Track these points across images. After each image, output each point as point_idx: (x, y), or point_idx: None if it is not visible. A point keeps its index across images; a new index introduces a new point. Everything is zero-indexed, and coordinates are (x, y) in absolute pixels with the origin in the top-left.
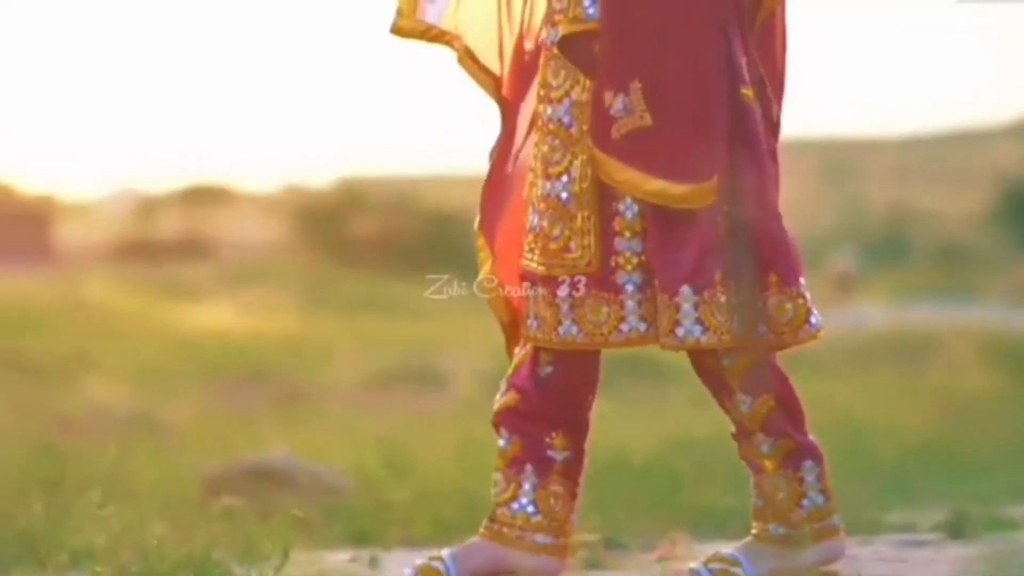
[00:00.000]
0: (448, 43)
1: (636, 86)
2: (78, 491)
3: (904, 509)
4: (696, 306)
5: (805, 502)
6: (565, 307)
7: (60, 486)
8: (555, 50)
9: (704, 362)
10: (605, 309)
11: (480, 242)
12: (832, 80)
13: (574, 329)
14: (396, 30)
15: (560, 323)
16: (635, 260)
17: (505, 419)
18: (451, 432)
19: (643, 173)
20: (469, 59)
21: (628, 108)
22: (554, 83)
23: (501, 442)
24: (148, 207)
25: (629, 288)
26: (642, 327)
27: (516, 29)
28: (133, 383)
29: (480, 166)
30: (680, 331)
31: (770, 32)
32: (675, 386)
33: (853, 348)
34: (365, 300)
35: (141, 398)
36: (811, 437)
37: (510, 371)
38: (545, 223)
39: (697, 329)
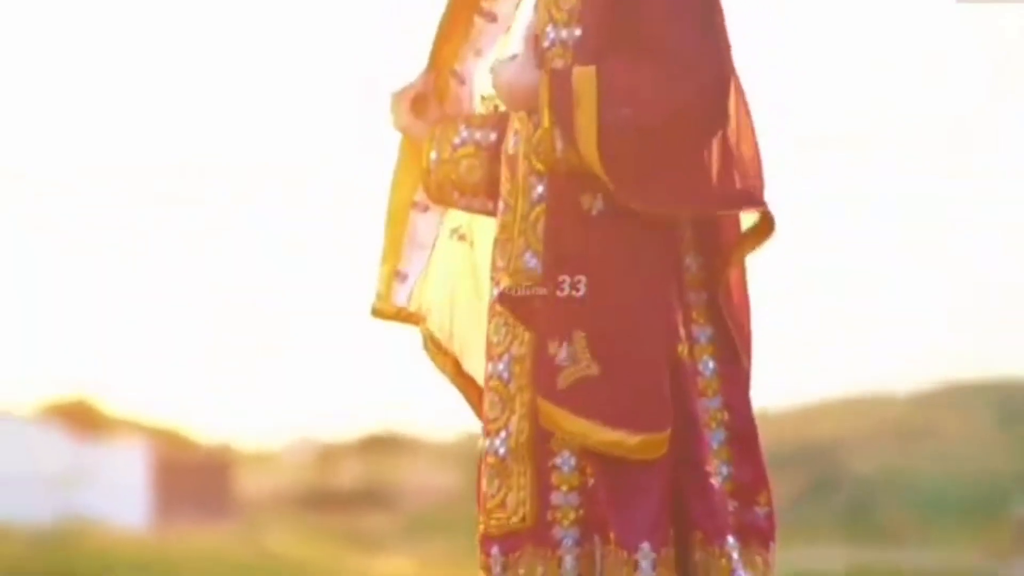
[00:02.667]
0: (416, 324)
1: (580, 335)
2: None
3: None
4: (654, 565)
5: None
6: (498, 569)
7: None
8: (497, 306)
9: None
10: (540, 568)
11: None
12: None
13: None
14: (375, 313)
15: None
16: (572, 515)
17: None
18: None
19: (593, 423)
20: (430, 343)
21: (572, 357)
22: (495, 340)
23: None
24: (327, 456)
25: (567, 543)
26: None
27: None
28: None
29: None
30: None
31: (740, 287)
32: None
33: None
34: None
35: None
36: None
37: None
38: (484, 481)
39: None
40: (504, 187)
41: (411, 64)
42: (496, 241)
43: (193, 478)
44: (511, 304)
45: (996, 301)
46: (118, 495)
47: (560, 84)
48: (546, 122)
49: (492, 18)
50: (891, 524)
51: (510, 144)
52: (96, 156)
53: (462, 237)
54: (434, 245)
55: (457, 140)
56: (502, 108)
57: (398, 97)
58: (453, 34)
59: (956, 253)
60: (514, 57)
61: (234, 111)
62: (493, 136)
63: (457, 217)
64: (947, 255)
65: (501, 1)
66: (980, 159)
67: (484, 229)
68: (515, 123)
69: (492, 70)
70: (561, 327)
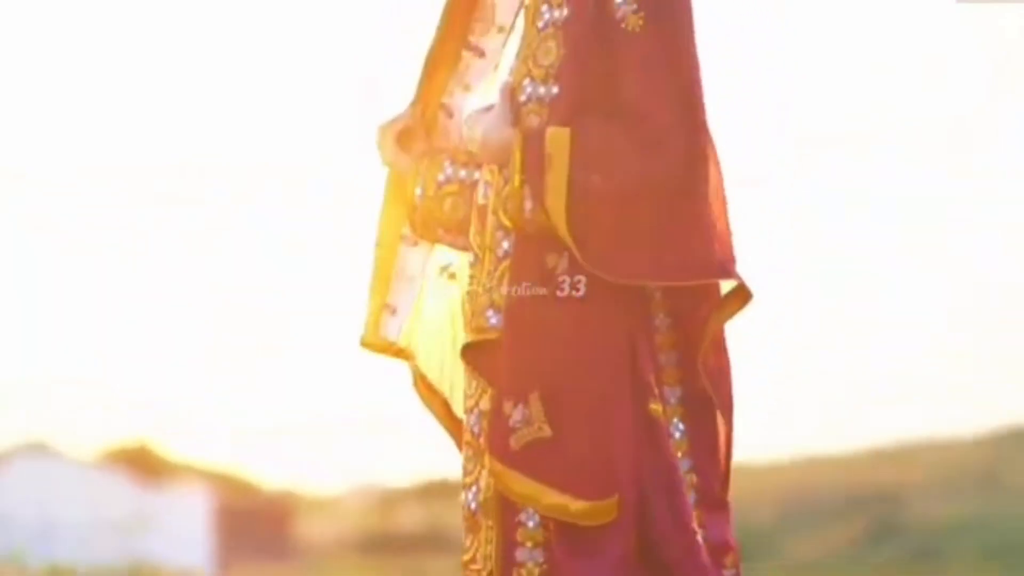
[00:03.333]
0: (407, 360)
1: (535, 396)
2: None
3: None
4: None
5: None
6: None
7: None
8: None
9: None
10: None
11: None
12: None
13: None
14: (363, 344)
15: None
16: (536, 571)
17: None
18: None
19: (542, 486)
20: (420, 382)
21: (527, 418)
22: (468, 392)
23: None
24: (388, 500)
25: None
26: None
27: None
28: None
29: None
30: None
31: (718, 347)
32: None
33: None
34: None
35: None
36: None
37: None
38: (463, 535)
39: None
40: (474, 238)
41: (411, 64)
42: (467, 292)
43: (255, 523)
44: (474, 360)
45: (997, 302)
46: (181, 540)
47: (533, 144)
48: (516, 182)
49: (480, 53)
50: (961, 573)
51: (480, 194)
52: (96, 156)
53: (452, 276)
54: (423, 280)
55: (442, 177)
56: None
57: (384, 130)
58: (441, 67)
59: (957, 254)
60: (489, 108)
61: (234, 111)
62: (478, 174)
63: (447, 254)
64: (948, 256)
65: (488, 37)
66: (980, 159)
67: None
68: (486, 174)
69: (466, 121)
70: (518, 387)
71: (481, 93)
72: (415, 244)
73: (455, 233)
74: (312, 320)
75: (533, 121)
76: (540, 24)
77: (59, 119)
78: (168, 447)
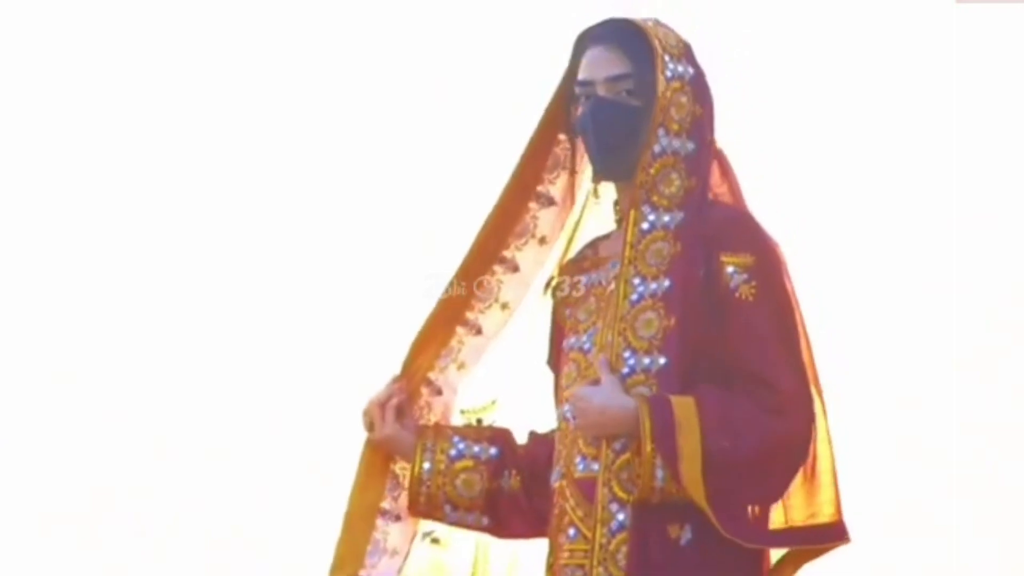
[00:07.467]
0: None
1: None
2: None
3: None
4: None
5: None
6: None
7: None
8: None
9: None
10: None
11: None
12: None
13: None
14: None
15: None
16: None
17: None
18: None
19: None
20: None
21: None
22: None
23: None
24: None
25: None
26: None
27: None
28: None
29: None
30: None
31: None
32: None
33: None
34: None
35: None
36: None
37: None
38: None
39: None
40: (572, 513)
41: (410, 66)
42: (563, 567)
43: None
44: None
45: (1000, 303)
46: None
47: (661, 411)
48: (648, 449)
49: (477, 331)
50: None
51: (578, 468)
52: (96, 156)
53: (435, 541)
54: (407, 554)
55: (453, 452)
56: (486, 422)
57: (379, 406)
58: (431, 343)
59: (958, 257)
60: (596, 382)
61: (234, 113)
62: (493, 451)
63: (432, 523)
64: (950, 260)
65: (488, 315)
66: (981, 160)
67: (462, 533)
68: (582, 447)
69: (577, 395)
70: None
71: (477, 371)
72: (398, 519)
73: (463, 511)
74: (312, 320)
75: (642, 391)
76: (633, 297)
77: (59, 119)
78: None
